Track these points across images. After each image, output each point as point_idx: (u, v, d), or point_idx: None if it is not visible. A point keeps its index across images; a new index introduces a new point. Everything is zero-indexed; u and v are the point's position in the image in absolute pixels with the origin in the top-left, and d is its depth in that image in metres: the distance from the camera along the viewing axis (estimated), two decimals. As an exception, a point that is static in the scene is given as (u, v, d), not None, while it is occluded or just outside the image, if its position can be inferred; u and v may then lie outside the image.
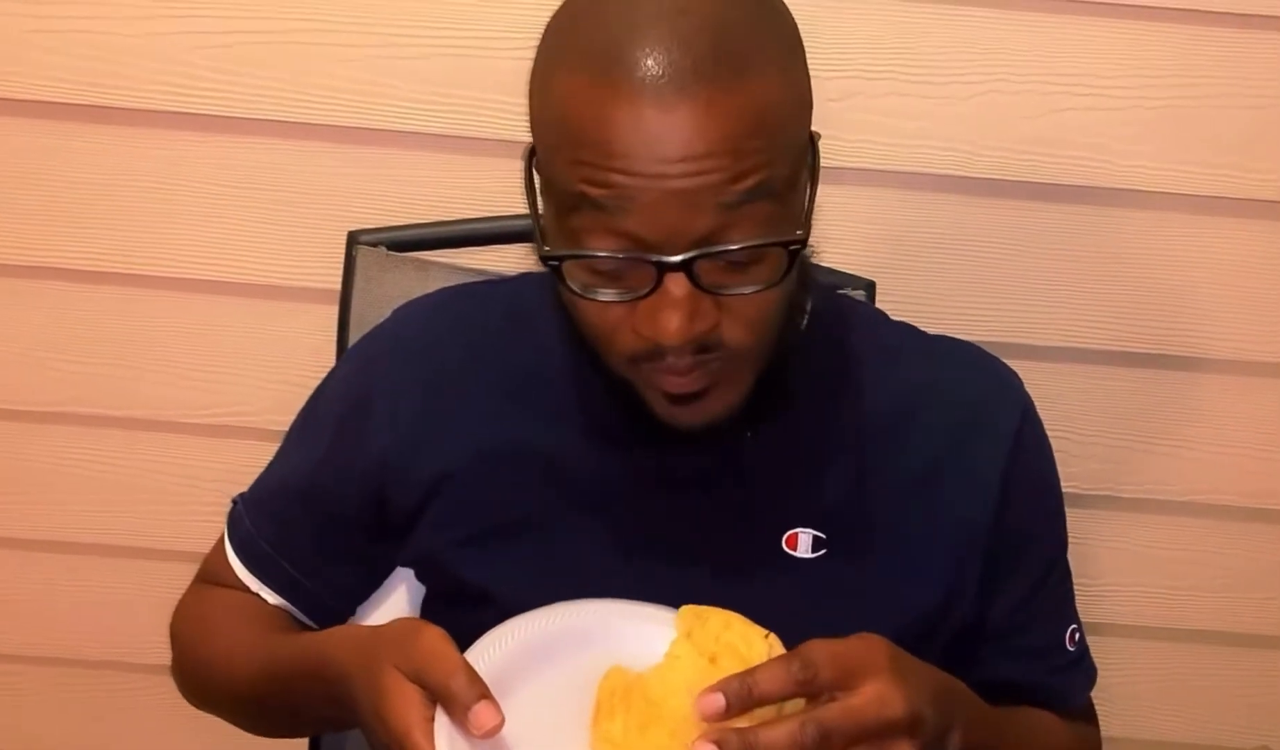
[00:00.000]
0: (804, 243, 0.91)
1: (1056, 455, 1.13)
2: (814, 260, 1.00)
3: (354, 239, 1.34)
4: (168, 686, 1.17)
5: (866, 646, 0.86)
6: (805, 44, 0.94)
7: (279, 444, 1.16)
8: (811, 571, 1.04)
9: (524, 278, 1.11)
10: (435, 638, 0.87)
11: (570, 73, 0.88)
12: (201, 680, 1.13)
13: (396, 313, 1.14)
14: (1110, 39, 1.39)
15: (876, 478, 1.05)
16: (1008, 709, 1.06)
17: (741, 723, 0.82)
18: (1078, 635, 1.14)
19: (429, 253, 1.35)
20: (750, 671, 0.83)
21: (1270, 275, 1.46)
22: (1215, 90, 1.40)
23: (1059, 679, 1.13)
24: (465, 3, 1.39)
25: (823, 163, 0.95)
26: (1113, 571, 1.56)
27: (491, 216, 1.37)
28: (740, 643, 0.87)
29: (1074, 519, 1.14)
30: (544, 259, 0.92)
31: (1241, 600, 1.58)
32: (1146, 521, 1.55)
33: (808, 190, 0.94)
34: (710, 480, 1.04)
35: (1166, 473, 1.53)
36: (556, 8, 0.93)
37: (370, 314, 1.28)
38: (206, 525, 1.22)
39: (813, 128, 0.95)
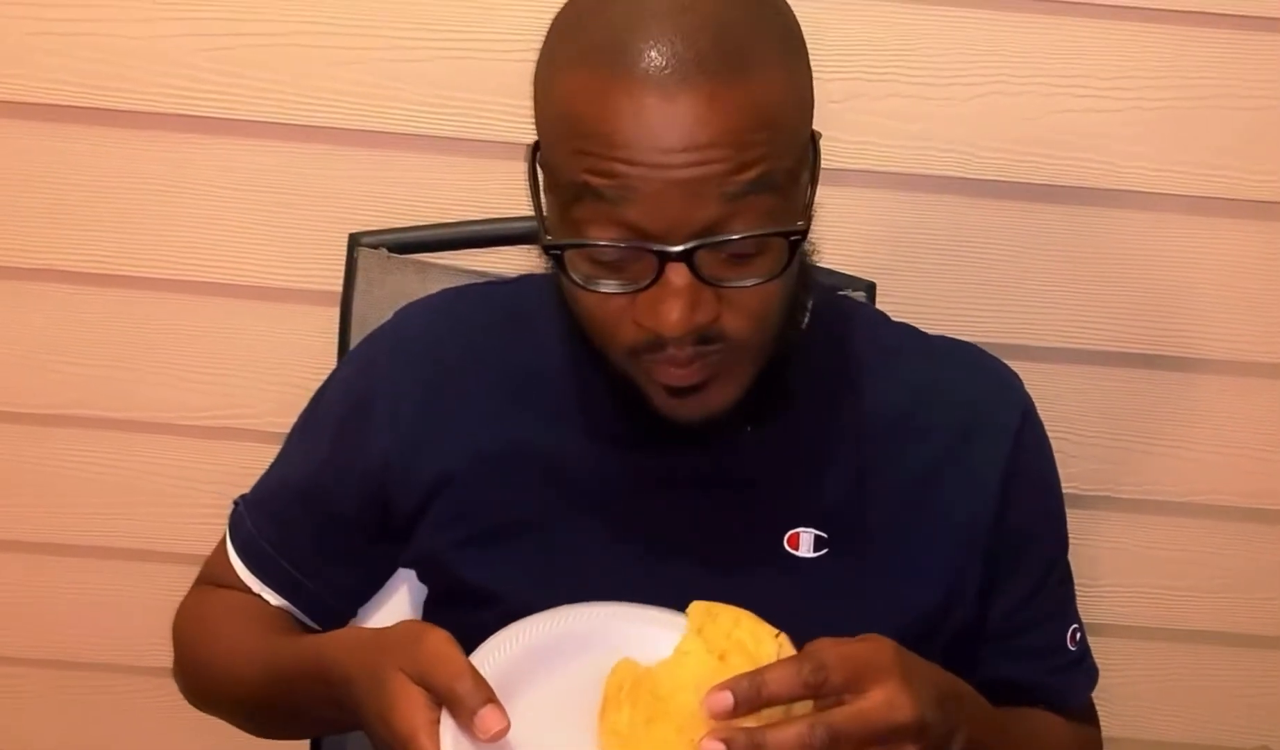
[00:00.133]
0: (804, 234, 0.92)
1: (1055, 456, 1.13)
2: (814, 261, 1.01)
3: (355, 241, 1.34)
4: (167, 688, 1.17)
5: (875, 649, 0.86)
6: (808, 45, 0.94)
7: (280, 446, 1.16)
8: (813, 571, 1.04)
9: (524, 279, 1.12)
10: (440, 641, 0.86)
11: (574, 66, 0.89)
12: (203, 681, 1.13)
13: (397, 314, 1.14)
14: (1109, 41, 1.39)
15: (877, 478, 1.05)
16: (1011, 710, 1.06)
17: (749, 722, 0.82)
18: (1079, 635, 1.14)
19: (430, 255, 1.35)
20: (760, 672, 0.83)
21: (1269, 276, 1.46)
22: (1214, 92, 1.40)
23: (1060, 679, 1.13)
24: (466, 6, 1.39)
25: (824, 164, 0.95)
26: (1112, 572, 1.56)
27: (493, 219, 1.37)
28: (750, 641, 0.87)
29: (1073, 519, 1.15)
30: (546, 249, 0.92)
31: (1240, 600, 1.57)
32: (1145, 522, 1.55)
33: (809, 188, 0.94)
34: (711, 480, 1.04)
35: (1165, 473, 1.53)
36: (559, 8, 0.94)
37: (371, 316, 1.28)
38: (207, 527, 1.22)
39: (814, 127, 0.95)
